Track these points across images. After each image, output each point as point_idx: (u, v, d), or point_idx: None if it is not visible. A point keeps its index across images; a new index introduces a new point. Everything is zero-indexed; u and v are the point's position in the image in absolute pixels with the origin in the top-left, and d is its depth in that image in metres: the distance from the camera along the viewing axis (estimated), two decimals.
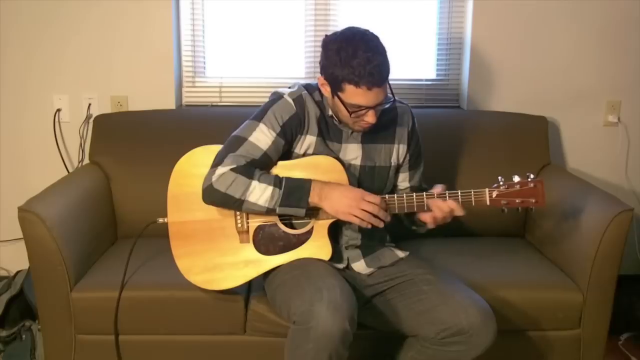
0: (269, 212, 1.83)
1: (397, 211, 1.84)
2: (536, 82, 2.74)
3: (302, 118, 1.89)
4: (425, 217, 1.84)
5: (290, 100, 1.88)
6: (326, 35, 1.82)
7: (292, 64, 2.80)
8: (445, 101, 2.83)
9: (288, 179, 1.83)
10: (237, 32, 2.77)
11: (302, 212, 1.81)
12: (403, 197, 1.83)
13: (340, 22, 2.73)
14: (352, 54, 1.72)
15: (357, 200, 1.78)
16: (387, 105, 1.85)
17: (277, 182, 1.81)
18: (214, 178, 1.82)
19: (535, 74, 2.73)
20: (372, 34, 1.79)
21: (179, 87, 2.76)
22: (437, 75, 2.83)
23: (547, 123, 2.61)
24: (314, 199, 1.80)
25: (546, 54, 2.72)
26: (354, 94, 1.76)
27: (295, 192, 1.80)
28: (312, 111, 1.90)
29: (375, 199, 1.80)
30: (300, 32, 2.77)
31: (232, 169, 1.82)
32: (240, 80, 2.78)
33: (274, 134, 1.86)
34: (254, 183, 1.81)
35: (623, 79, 2.75)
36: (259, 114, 1.89)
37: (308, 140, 1.90)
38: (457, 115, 2.72)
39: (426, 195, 1.83)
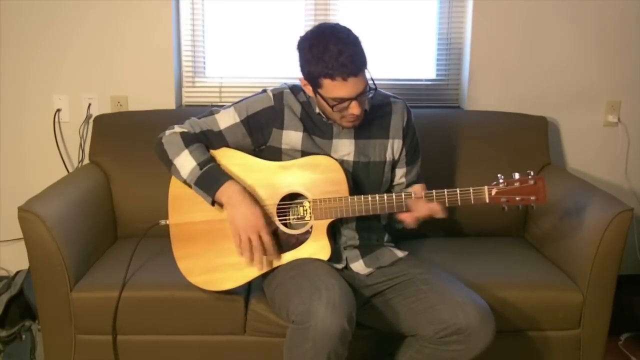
0: (186, 183, 1.89)
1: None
2: (536, 82, 2.74)
3: (278, 112, 1.93)
4: (405, 217, 1.86)
5: (270, 95, 1.95)
6: (299, 37, 1.85)
7: (292, 64, 2.78)
8: (445, 101, 2.83)
9: (214, 166, 1.88)
10: (237, 32, 2.77)
11: (209, 199, 1.85)
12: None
13: (340, 22, 2.71)
14: (324, 49, 1.75)
15: (254, 228, 1.82)
16: (370, 95, 1.86)
17: (205, 162, 1.87)
18: (166, 132, 1.94)
19: (535, 74, 2.73)
20: (341, 26, 1.82)
21: (179, 87, 2.77)
22: (437, 75, 2.83)
23: (547, 123, 2.61)
24: (221, 197, 1.85)
25: (546, 54, 2.72)
26: (332, 88, 1.78)
27: (209, 180, 1.86)
28: (294, 107, 1.94)
29: (267, 239, 1.83)
30: (300, 32, 2.74)
31: (181, 132, 1.91)
32: (240, 80, 2.78)
33: (237, 120, 1.93)
34: (186, 152, 1.88)
35: (623, 79, 2.75)
36: (237, 101, 1.97)
37: (292, 136, 1.93)
38: (457, 115, 2.71)
39: (404, 195, 1.85)
